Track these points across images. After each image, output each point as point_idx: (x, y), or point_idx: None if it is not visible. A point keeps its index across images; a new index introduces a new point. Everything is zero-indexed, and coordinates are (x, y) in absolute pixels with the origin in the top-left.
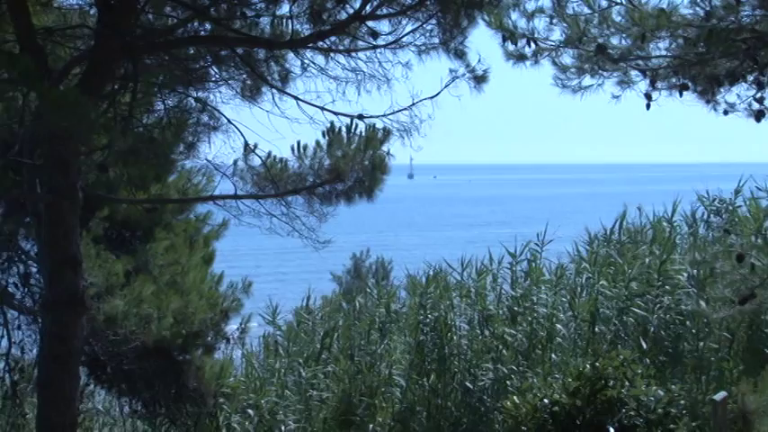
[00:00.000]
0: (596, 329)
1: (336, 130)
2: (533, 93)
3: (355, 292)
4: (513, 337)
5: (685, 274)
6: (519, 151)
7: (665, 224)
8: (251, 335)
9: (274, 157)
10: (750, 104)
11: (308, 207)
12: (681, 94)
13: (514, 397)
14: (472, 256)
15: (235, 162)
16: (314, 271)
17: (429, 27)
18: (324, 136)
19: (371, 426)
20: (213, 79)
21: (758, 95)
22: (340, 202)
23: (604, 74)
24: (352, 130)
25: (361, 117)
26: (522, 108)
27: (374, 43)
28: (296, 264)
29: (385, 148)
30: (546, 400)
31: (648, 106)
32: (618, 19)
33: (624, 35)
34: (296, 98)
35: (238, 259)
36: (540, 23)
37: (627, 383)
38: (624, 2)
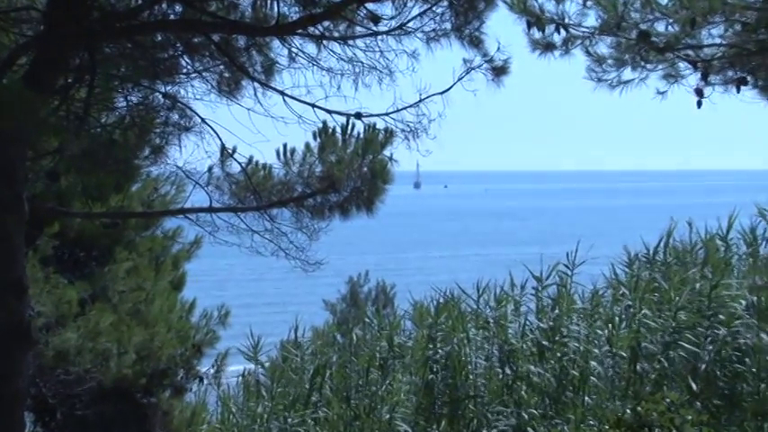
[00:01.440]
0: (638, 367)
1: (330, 130)
2: (563, 88)
3: (352, 323)
4: (540, 376)
5: (743, 302)
6: (545, 157)
7: (719, 242)
8: (228, 374)
9: (256, 162)
10: None
11: (297, 222)
12: (738, 90)
13: None
14: (490, 280)
15: (210, 169)
16: (303, 298)
17: (439, 10)
18: (315, 138)
19: None
20: (185, 71)
21: None
22: (334, 216)
23: (647, 66)
24: (349, 132)
25: (358, 116)
26: (549, 106)
27: (375, 29)
28: (282, 289)
29: (387, 152)
30: None
31: (700, 104)
32: (663, 1)
33: (671, 20)
34: (282, 93)
35: (214, 284)
36: (571, 7)
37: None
38: None
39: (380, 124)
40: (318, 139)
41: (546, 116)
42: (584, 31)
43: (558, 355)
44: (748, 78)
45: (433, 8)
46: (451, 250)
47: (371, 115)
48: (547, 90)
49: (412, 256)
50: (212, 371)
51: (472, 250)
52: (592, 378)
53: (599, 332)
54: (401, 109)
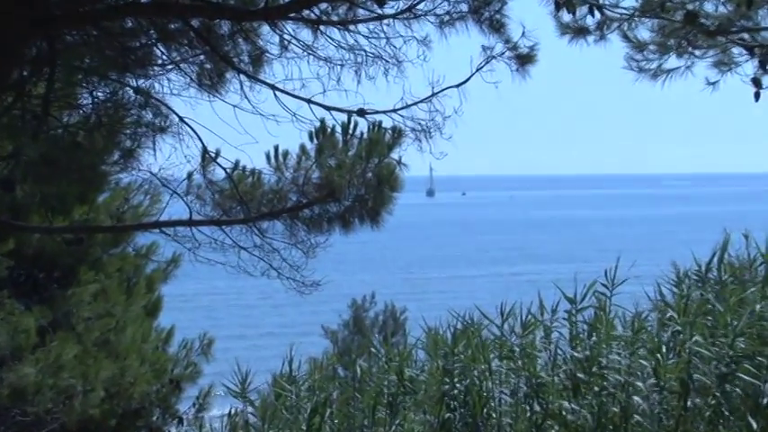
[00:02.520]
0: (689, 403)
1: (328, 130)
2: (598, 80)
3: (355, 353)
4: (575, 413)
5: None
6: (579, 158)
7: None
8: (212, 414)
9: (243, 167)
10: None
11: (291, 236)
12: None
13: None
14: (516, 303)
15: (189, 175)
16: (299, 324)
17: None
18: (311, 139)
19: None
20: (159, 63)
21: None
22: (334, 230)
23: (696, 52)
24: (351, 131)
25: (362, 113)
26: (583, 101)
27: (380, 13)
28: (274, 315)
29: (395, 154)
30: None
31: (758, 96)
32: None
33: (723, 0)
34: (273, 87)
35: (195, 309)
36: None
37: None
38: None
39: (387, 122)
40: (315, 141)
41: (581, 112)
42: (621, 13)
43: (596, 389)
44: None
45: None
46: (471, 268)
47: (377, 112)
48: (580, 82)
49: (425, 275)
50: (193, 410)
51: (495, 268)
52: (635, 416)
53: (643, 362)
54: (411, 105)
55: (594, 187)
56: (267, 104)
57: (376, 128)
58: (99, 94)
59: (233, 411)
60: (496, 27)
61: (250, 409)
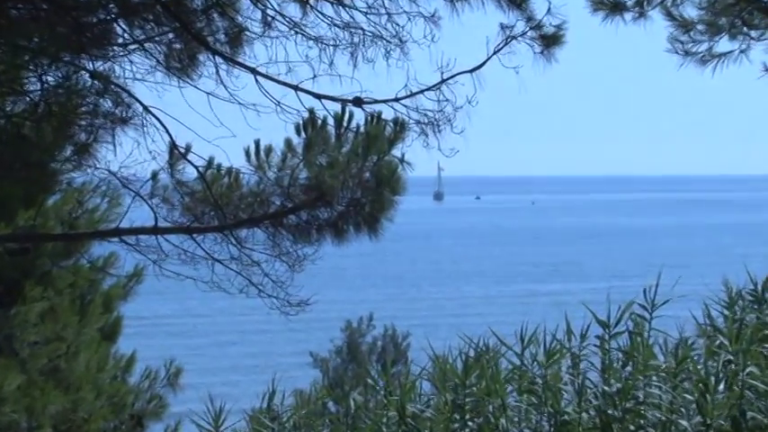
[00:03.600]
0: None
1: (319, 122)
2: (639, 63)
3: (349, 385)
4: None
5: None
6: (609, 158)
7: None
8: None
9: (219, 166)
10: None
11: (274, 246)
12: None
13: None
14: (538, 326)
15: (155, 175)
16: (283, 350)
17: None
18: (299, 132)
19: None
20: (120, 42)
21: None
22: (325, 240)
23: (751, 33)
24: (345, 124)
25: (358, 102)
26: (618, 90)
27: None
28: (255, 339)
29: (397, 151)
30: None
31: None
32: None
33: None
34: (254, 72)
35: (160, 332)
36: None
37: None
38: None
39: (388, 113)
40: (303, 135)
41: (614, 103)
42: None
43: (631, 428)
44: None
45: None
46: (486, 286)
47: (376, 101)
48: (617, 67)
49: (432, 294)
50: None
51: (515, 286)
52: None
53: (688, 397)
54: (416, 93)
55: (625, 191)
56: (247, 92)
57: (375, 120)
58: (49, 78)
59: None
60: (517, 3)
61: None
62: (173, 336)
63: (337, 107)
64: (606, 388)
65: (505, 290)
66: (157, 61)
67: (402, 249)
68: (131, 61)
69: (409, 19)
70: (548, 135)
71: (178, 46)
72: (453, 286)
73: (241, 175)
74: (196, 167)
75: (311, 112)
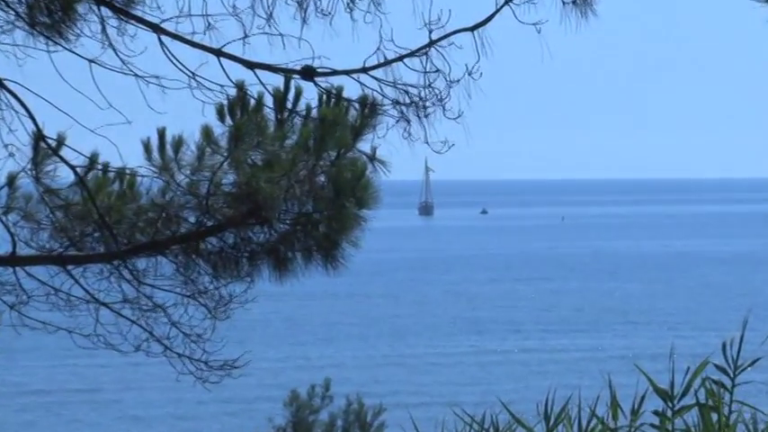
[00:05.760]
0: None
1: (252, 103)
2: (701, 24)
3: None
4: None
5: None
6: (671, 157)
7: None
8: None
9: (106, 165)
10: None
11: (186, 283)
12: None
13: None
14: (570, 396)
15: (11, 179)
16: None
17: None
18: (222, 118)
19: None
20: None
21: None
22: (260, 272)
23: None
24: (290, 105)
25: (309, 74)
26: (679, 60)
27: None
28: (156, 414)
29: (366, 145)
30: None
31: None
32: None
33: None
34: (157, 29)
35: (24, 406)
36: None
37: None
38: None
39: (352, 90)
40: (229, 121)
41: (672, 80)
42: None
43: None
44: None
45: None
46: (494, 338)
47: (335, 72)
48: (672, 29)
49: (416, 350)
50: None
51: (538, 338)
52: None
53: None
54: (394, 60)
55: (688, 200)
56: (147, 59)
57: (333, 99)
58: None
59: None
60: None
61: None
62: (39, 409)
63: (279, 81)
64: None
65: (523, 342)
66: (16, 14)
67: (373, 287)
68: None
69: None
70: (580, 123)
71: None
72: (447, 339)
73: (138, 180)
74: (73, 168)
75: (240, 87)
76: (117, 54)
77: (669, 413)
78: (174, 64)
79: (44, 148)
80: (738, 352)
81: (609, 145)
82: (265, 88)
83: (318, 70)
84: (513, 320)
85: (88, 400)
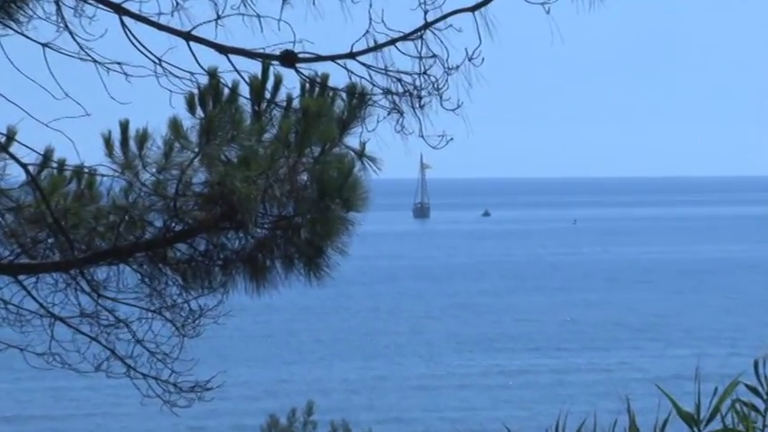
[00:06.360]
0: None
1: (226, 93)
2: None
3: None
4: None
5: None
6: (694, 153)
7: None
8: None
9: (61, 163)
10: None
11: (152, 295)
12: None
13: None
14: (585, 420)
15: None
16: None
17: None
18: (192, 109)
19: None
20: None
21: None
22: (235, 283)
23: None
24: (268, 95)
25: (290, 60)
26: (702, 49)
27: None
28: None
29: (354, 140)
30: None
31: None
32: None
33: None
34: (119, 10)
35: None
36: None
37: None
38: None
39: (338, 77)
40: (200, 112)
41: (692, 71)
42: None
43: None
44: None
45: None
46: (497, 356)
47: (319, 58)
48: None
49: (410, 369)
50: None
51: (546, 357)
52: None
53: None
54: (385, 44)
55: (707, 201)
56: (107, 43)
57: (317, 88)
58: None
59: None
60: None
61: None
62: None
63: (256, 67)
64: None
65: (533, 363)
66: None
67: (363, 299)
68: None
69: None
70: (591, 115)
71: None
72: (446, 359)
73: (98, 179)
74: (24, 166)
75: (212, 75)
76: (74, 38)
77: None
78: (138, 49)
79: None
80: None
81: (622, 140)
82: (241, 76)
83: (300, 56)
84: (522, 337)
85: (42, 429)
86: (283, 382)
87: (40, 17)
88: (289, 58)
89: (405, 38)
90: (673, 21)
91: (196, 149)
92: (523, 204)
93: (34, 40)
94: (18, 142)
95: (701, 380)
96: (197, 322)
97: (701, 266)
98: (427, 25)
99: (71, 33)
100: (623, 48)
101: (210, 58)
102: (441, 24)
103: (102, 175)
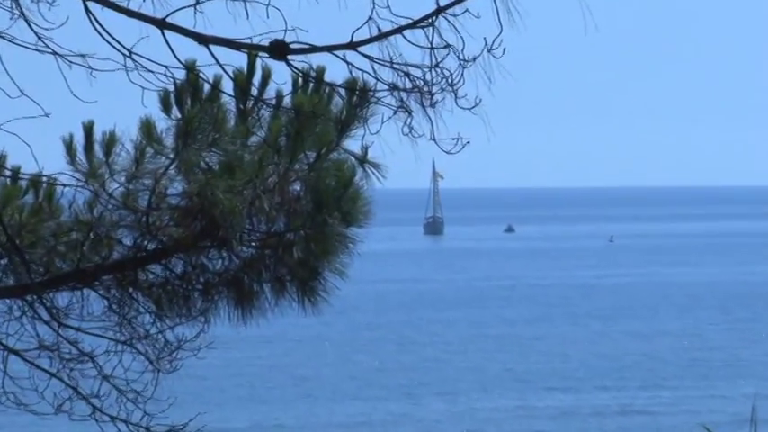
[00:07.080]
0: None
1: (206, 90)
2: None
3: None
4: None
5: None
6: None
7: None
8: None
9: (15, 172)
10: None
11: (121, 324)
12: None
13: None
14: None
15: None
16: None
17: None
18: (167, 109)
19: None
20: None
21: None
22: (217, 309)
23: None
24: (255, 92)
25: (281, 51)
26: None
27: None
28: None
29: (355, 144)
30: None
31: None
32: None
33: None
34: None
35: None
36: None
37: None
38: None
39: (337, 71)
40: (177, 113)
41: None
42: None
43: None
44: None
45: None
46: (533, 395)
47: (314, 49)
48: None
49: (427, 409)
50: None
51: (584, 394)
52: None
53: None
54: (391, 32)
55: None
56: (70, 32)
57: (312, 83)
58: None
59: None
60: None
61: None
62: None
63: (242, 60)
64: None
65: (570, 402)
66: None
67: (366, 329)
68: None
69: None
70: (627, 116)
71: None
72: (470, 397)
73: (59, 190)
74: None
75: (191, 68)
76: (30, 26)
77: None
78: (105, 39)
79: None
80: None
81: (662, 145)
82: (223, 70)
83: (292, 46)
84: (557, 372)
85: None
86: (276, 427)
87: None
88: (279, 49)
89: (414, 25)
90: (705, 20)
91: (172, 155)
92: (552, 218)
93: None
94: None
95: (757, 424)
96: (173, 355)
97: (758, 290)
98: (440, 10)
99: (27, 21)
100: (662, 46)
101: (189, 49)
102: (455, 9)
103: (64, 186)
